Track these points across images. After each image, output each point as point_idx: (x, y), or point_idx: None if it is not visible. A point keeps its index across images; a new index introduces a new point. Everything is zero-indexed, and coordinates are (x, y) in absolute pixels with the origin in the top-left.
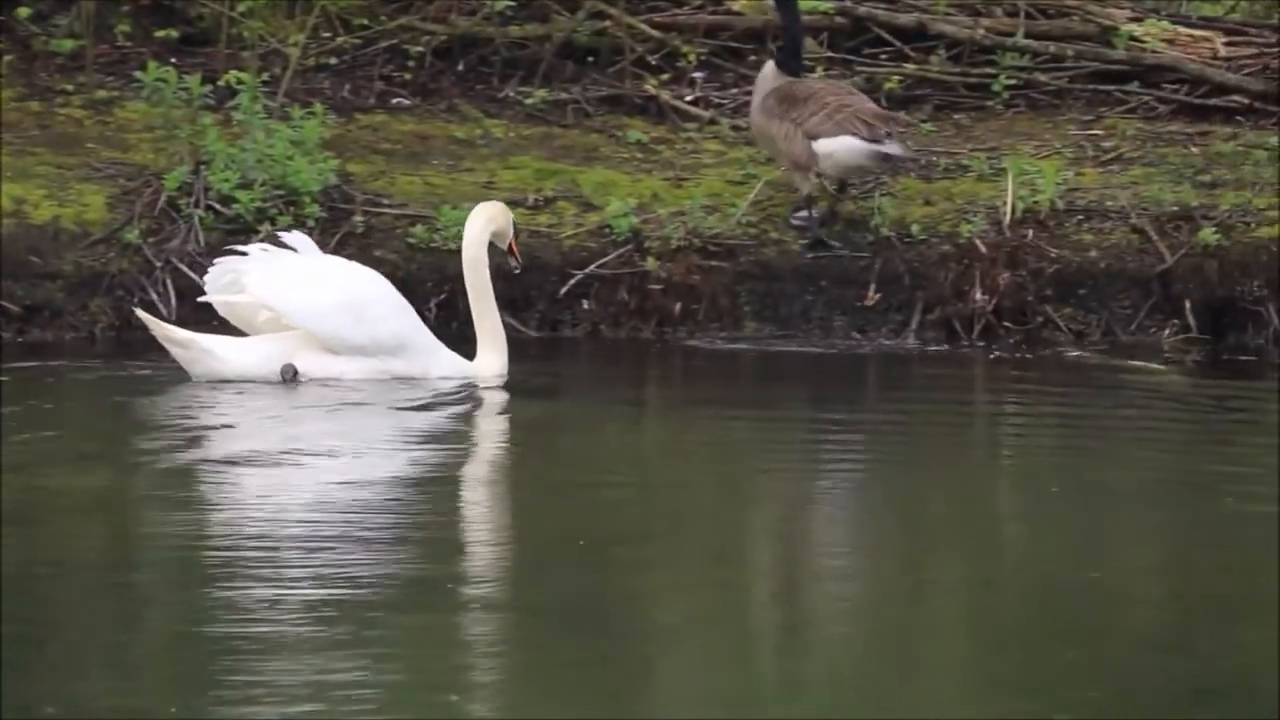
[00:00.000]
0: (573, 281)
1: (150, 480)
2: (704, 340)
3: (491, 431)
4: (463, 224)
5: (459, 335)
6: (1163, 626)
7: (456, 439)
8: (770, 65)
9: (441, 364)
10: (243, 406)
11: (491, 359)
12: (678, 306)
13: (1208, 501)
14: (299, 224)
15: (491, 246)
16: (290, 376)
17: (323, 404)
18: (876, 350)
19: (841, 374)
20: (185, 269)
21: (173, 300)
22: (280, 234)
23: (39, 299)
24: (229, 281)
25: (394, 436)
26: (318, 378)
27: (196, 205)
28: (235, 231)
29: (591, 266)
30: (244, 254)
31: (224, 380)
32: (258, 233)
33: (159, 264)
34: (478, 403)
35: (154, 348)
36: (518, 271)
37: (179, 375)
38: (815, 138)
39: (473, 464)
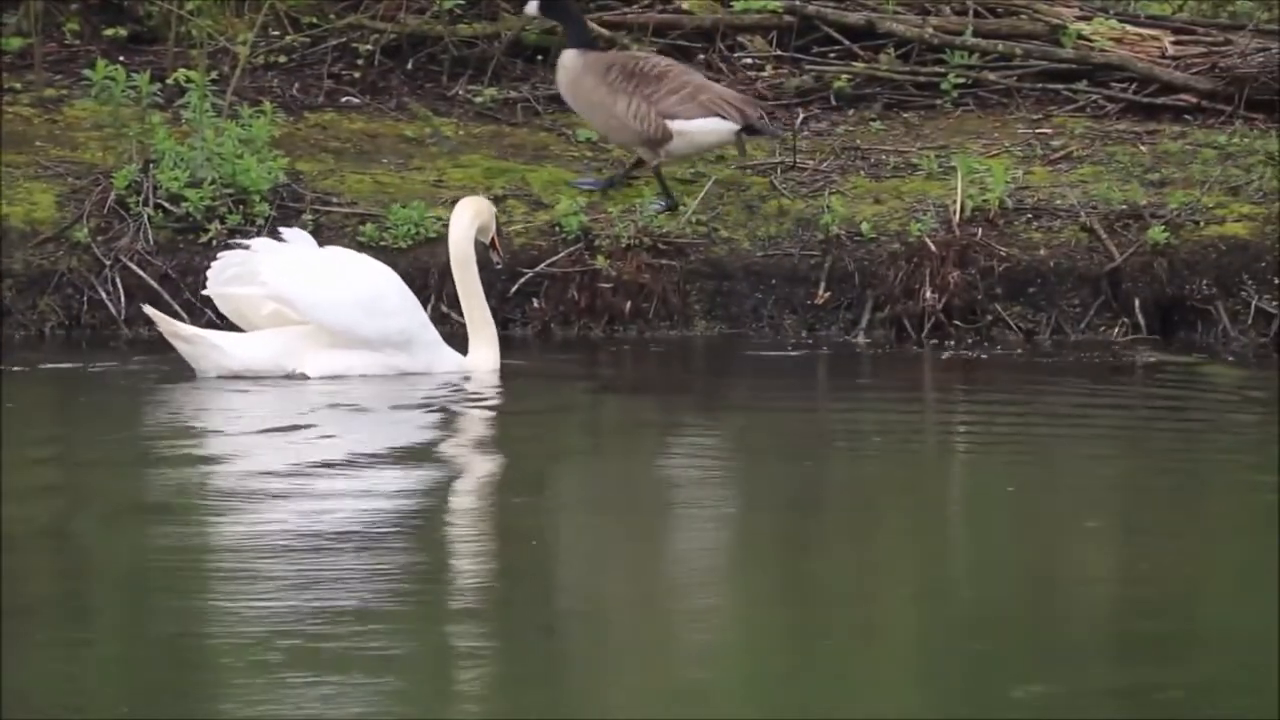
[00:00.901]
0: (523, 280)
1: (156, 479)
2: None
3: (500, 425)
4: (413, 222)
5: None
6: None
7: (463, 435)
8: (571, 53)
9: (443, 360)
10: (248, 402)
11: (485, 353)
12: (628, 305)
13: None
14: (248, 222)
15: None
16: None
17: (328, 399)
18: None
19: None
20: (134, 267)
21: (122, 299)
22: (281, 229)
23: None
24: (234, 274)
25: (399, 432)
26: (323, 373)
27: (145, 204)
28: (184, 230)
29: (541, 265)
30: (246, 247)
31: (230, 375)
32: (207, 231)
33: (108, 262)
34: (480, 397)
35: (106, 345)
36: (500, 265)
37: (178, 372)
38: (672, 117)
39: (480, 460)
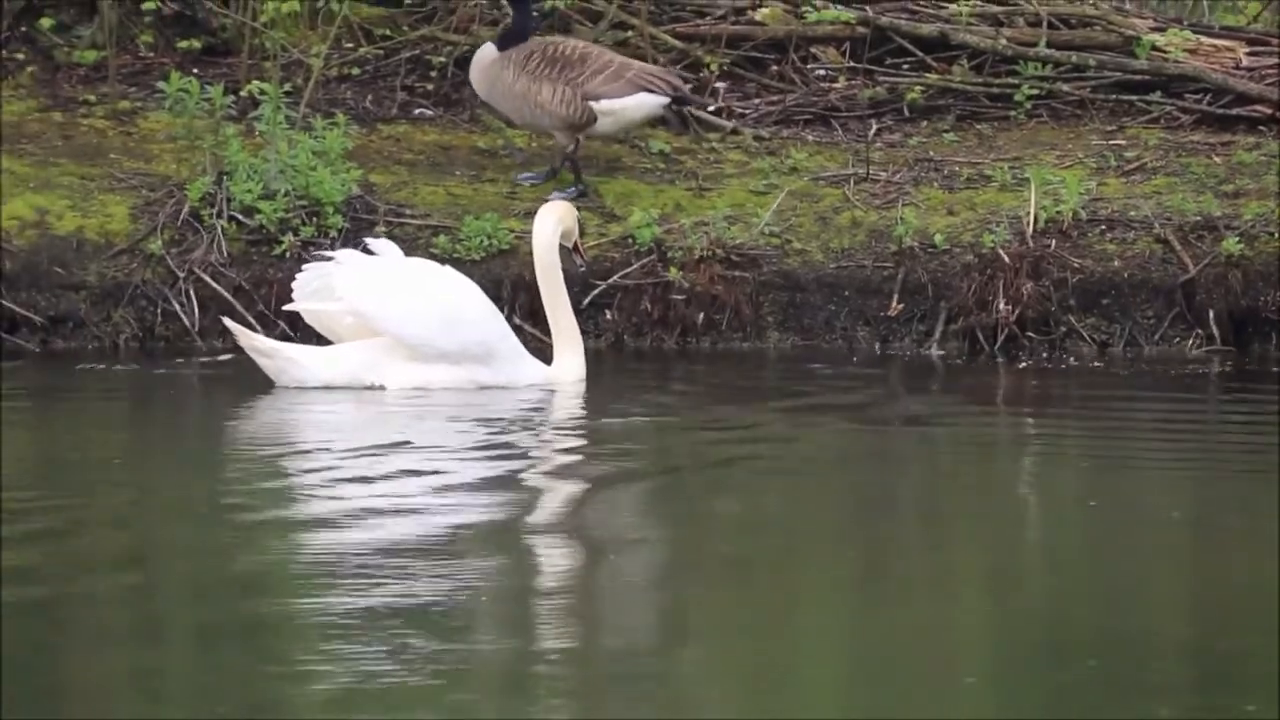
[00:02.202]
0: (596, 292)
1: (238, 490)
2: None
3: (586, 438)
4: (485, 234)
5: None
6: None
7: (547, 447)
8: (490, 46)
9: (525, 372)
10: (327, 416)
11: (570, 362)
12: (700, 316)
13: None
14: (321, 234)
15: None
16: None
17: (408, 412)
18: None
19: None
20: (208, 279)
21: (195, 311)
22: (366, 240)
23: (63, 310)
24: (318, 287)
25: (480, 445)
26: (403, 386)
27: (219, 216)
28: (258, 242)
29: (614, 277)
30: (330, 259)
31: (310, 388)
32: (280, 243)
33: (182, 274)
34: (565, 410)
35: (180, 357)
36: (583, 269)
37: (260, 383)
38: (598, 97)
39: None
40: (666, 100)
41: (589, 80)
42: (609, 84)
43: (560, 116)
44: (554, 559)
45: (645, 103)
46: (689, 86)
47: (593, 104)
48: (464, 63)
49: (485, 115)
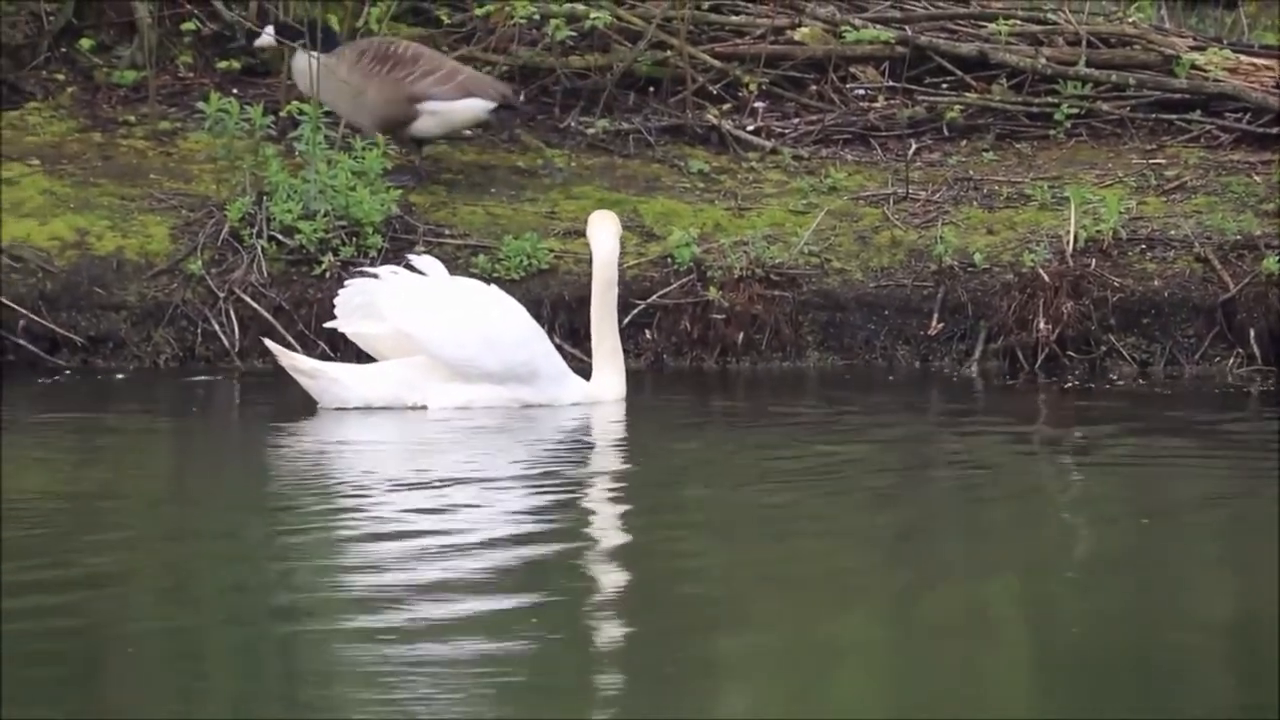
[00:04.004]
0: (635, 311)
1: (281, 510)
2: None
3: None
4: (525, 253)
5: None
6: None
7: (591, 468)
8: (303, 53)
9: (568, 390)
10: (367, 436)
11: (611, 380)
12: (740, 336)
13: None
14: (361, 254)
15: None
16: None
17: (450, 432)
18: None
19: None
20: (248, 299)
21: (235, 331)
22: (410, 257)
23: (103, 330)
24: (360, 304)
25: (523, 464)
26: (445, 406)
27: (259, 236)
28: (298, 262)
29: (654, 296)
30: (374, 276)
31: (352, 409)
32: (320, 263)
33: (222, 294)
34: (607, 429)
35: (220, 377)
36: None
37: (304, 405)
38: (428, 98)
39: (608, 494)
40: (493, 105)
41: (419, 80)
42: (439, 86)
43: (380, 115)
44: (612, 582)
45: (473, 107)
46: (513, 93)
47: (420, 104)
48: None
49: (524, 135)
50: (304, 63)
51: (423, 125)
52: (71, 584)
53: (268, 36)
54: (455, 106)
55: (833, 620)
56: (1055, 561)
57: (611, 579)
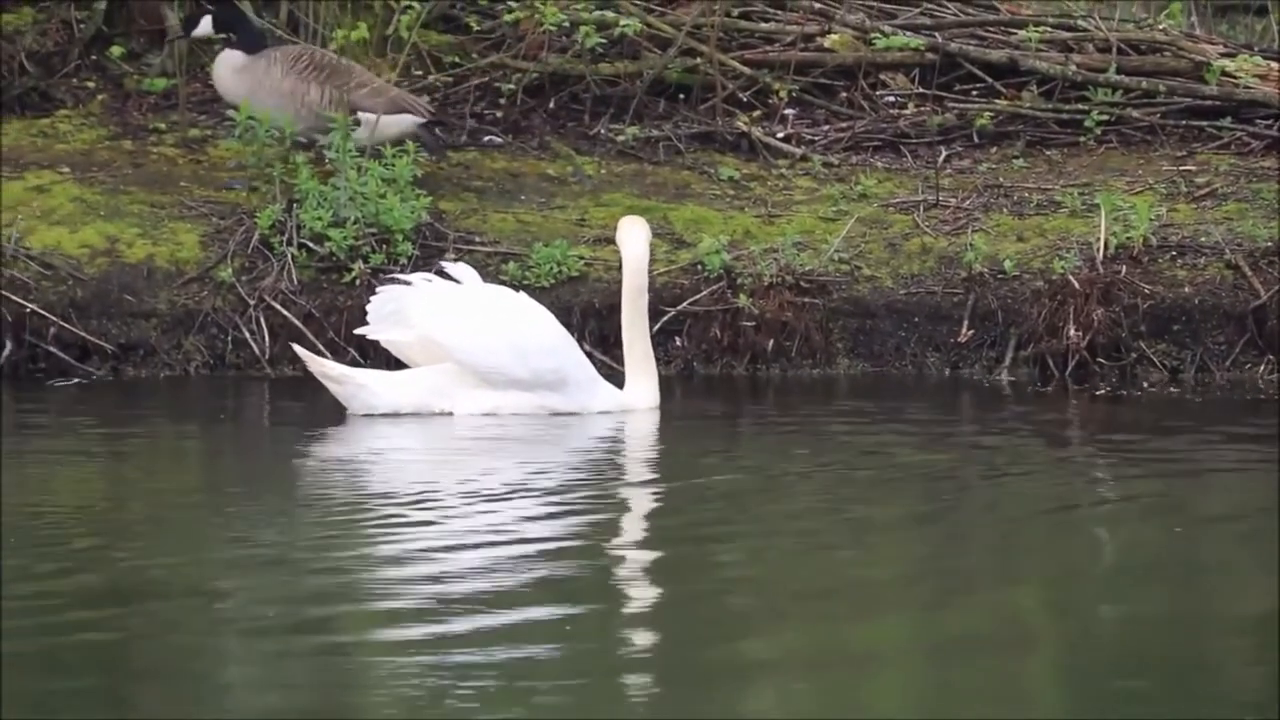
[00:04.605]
0: (665, 318)
1: (312, 519)
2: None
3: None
4: (555, 261)
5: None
6: None
7: (622, 475)
8: (234, 54)
9: (599, 398)
10: (397, 442)
11: (645, 387)
12: (770, 343)
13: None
14: (391, 262)
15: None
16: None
17: (478, 440)
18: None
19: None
20: (278, 307)
21: (266, 338)
22: (444, 264)
23: (133, 337)
24: (391, 311)
25: (554, 472)
26: (472, 412)
27: (289, 243)
28: (328, 270)
29: (684, 303)
30: (407, 283)
31: (380, 415)
32: (350, 270)
33: (252, 302)
34: (640, 437)
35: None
36: None
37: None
38: (363, 109)
39: (637, 505)
40: (423, 121)
41: (354, 91)
42: (372, 99)
43: (322, 118)
44: (644, 595)
45: (404, 121)
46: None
47: (356, 114)
48: (532, 90)
49: (554, 142)
50: (228, 59)
51: (357, 135)
52: (103, 596)
53: (205, 26)
54: (388, 120)
55: (865, 627)
56: (1087, 568)
57: (645, 589)
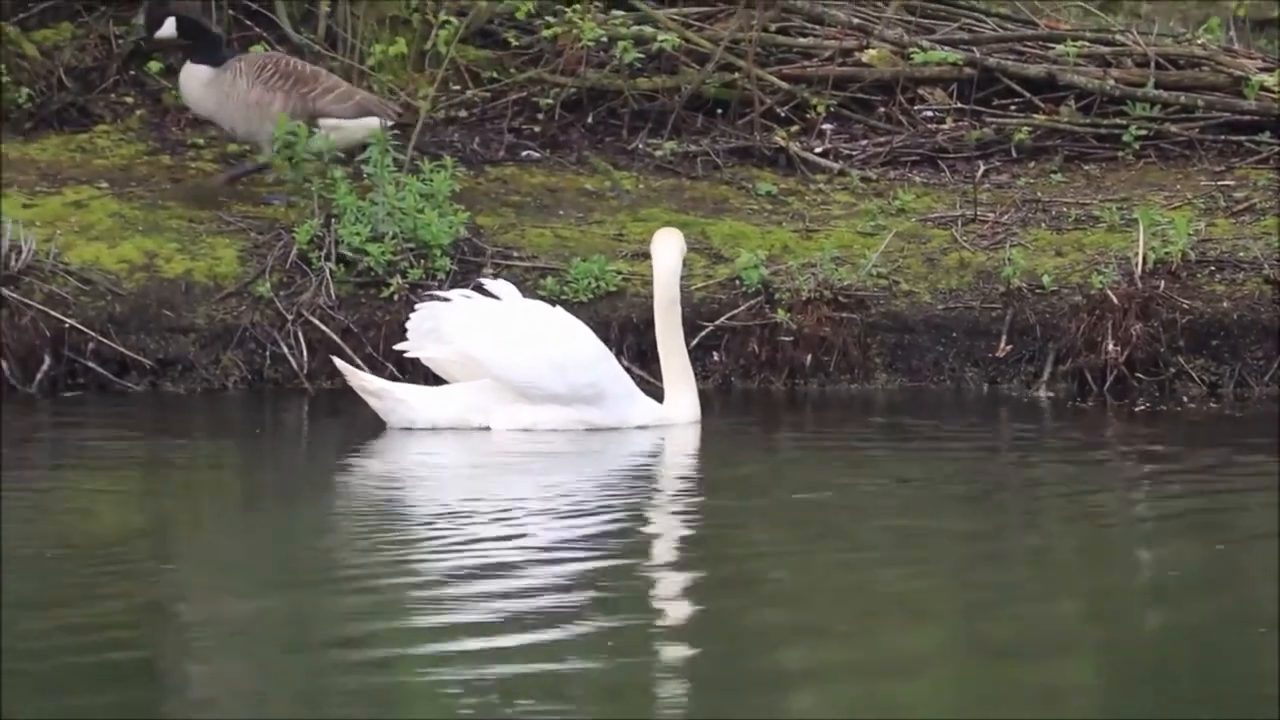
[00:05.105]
0: (703, 333)
1: (347, 532)
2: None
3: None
4: (593, 276)
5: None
6: None
7: (661, 490)
8: (199, 67)
9: (637, 412)
10: (436, 458)
11: (684, 401)
12: (808, 358)
13: None
14: (429, 277)
15: None
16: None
17: (517, 455)
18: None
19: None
20: (317, 322)
21: (304, 353)
22: (482, 280)
23: (171, 352)
24: (430, 329)
25: (590, 488)
26: (510, 427)
27: (327, 258)
28: (366, 285)
29: (722, 318)
30: (445, 299)
31: (419, 429)
32: (388, 285)
33: (290, 317)
34: (680, 452)
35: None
36: None
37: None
38: (329, 115)
39: (674, 519)
40: (390, 124)
41: (321, 97)
42: (339, 104)
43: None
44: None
45: (370, 125)
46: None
47: (322, 120)
48: (570, 105)
49: (592, 157)
50: (195, 73)
51: (318, 143)
52: (141, 612)
53: (169, 28)
54: (354, 124)
55: (905, 639)
56: (1127, 582)
57: (686, 604)
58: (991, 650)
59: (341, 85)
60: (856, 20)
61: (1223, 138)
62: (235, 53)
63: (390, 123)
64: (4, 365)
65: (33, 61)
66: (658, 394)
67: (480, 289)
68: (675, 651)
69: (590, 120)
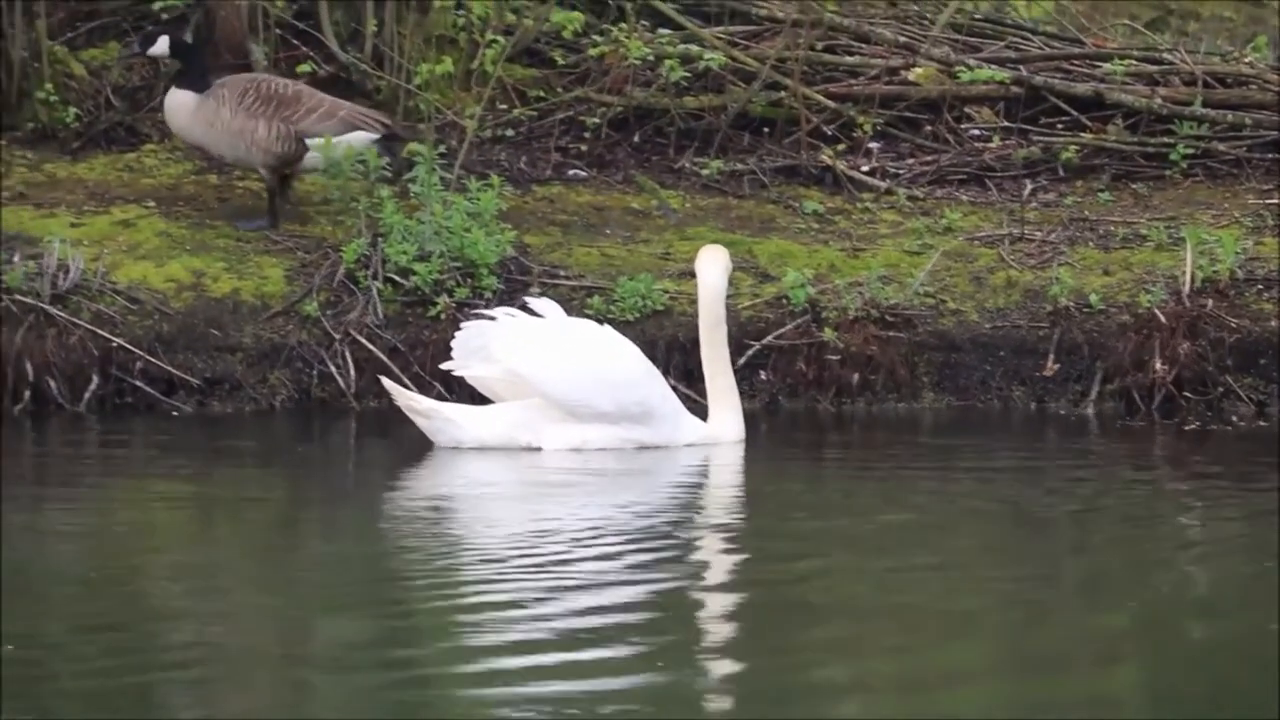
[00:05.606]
0: (750, 352)
1: (394, 550)
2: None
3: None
4: (639, 294)
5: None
6: None
7: (711, 511)
8: (184, 94)
9: (684, 431)
10: (485, 478)
11: (728, 420)
12: (855, 377)
13: None
14: (476, 295)
15: None
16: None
17: (565, 473)
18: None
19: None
20: (364, 341)
21: (351, 372)
22: (527, 299)
23: (219, 372)
24: (477, 347)
25: (639, 508)
26: (559, 447)
27: (374, 277)
28: (413, 303)
29: (769, 337)
30: (491, 318)
31: (467, 449)
32: (435, 304)
33: (338, 336)
34: (727, 471)
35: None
36: None
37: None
38: (314, 134)
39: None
40: (377, 136)
41: (304, 118)
42: (323, 122)
43: (274, 153)
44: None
45: (358, 139)
46: (395, 123)
47: (308, 140)
48: (617, 124)
49: (639, 176)
50: (181, 101)
51: (311, 161)
52: (191, 633)
53: (162, 45)
54: (344, 140)
55: (951, 655)
56: (1176, 601)
57: (734, 624)
58: (1037, 666)
59: (325, 103)
60: (903, 39)
61: (1270, 156)
62: (219, 78)
63: (378, 135)
64: (52, 384)
65: (80, 81)
66: (702, 412)
67: (524, 307)
68: (723, 668)
69: (637, 139)
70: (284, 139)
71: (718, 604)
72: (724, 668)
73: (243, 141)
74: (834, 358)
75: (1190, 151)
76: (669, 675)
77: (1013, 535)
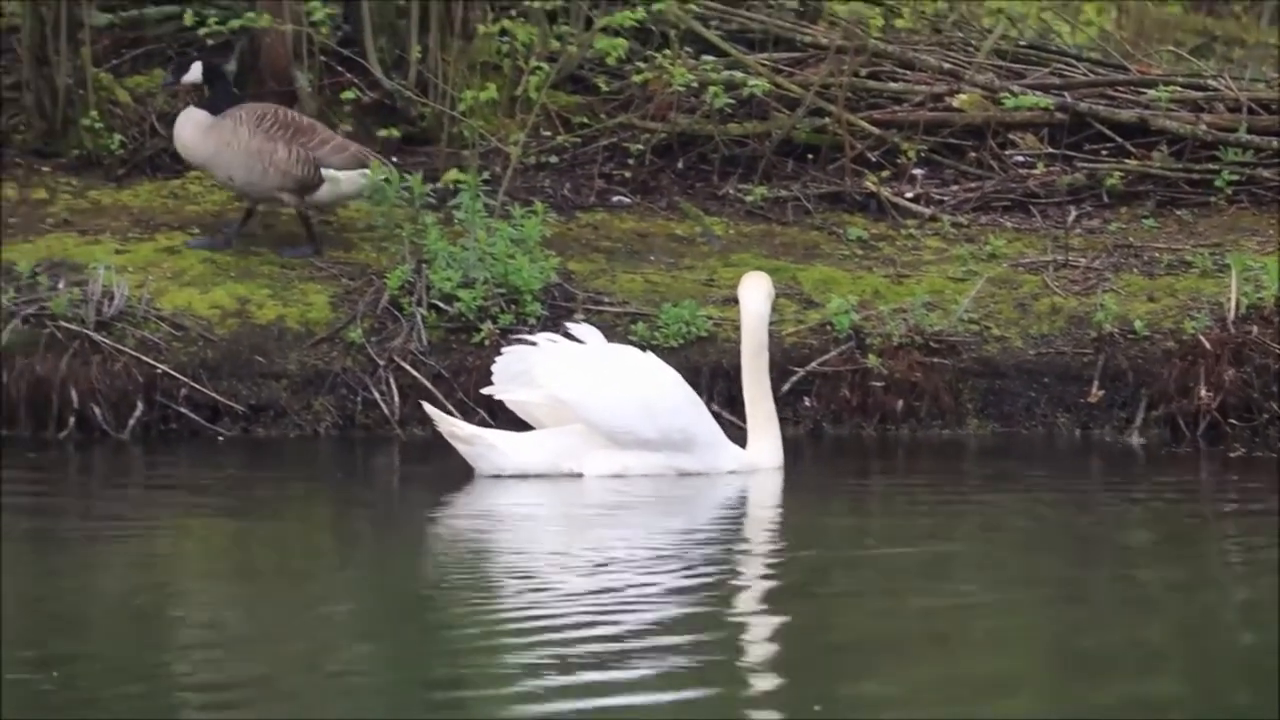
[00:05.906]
0: (794, 379)
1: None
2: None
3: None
4: (684, 321)
5: None
6: None
7: (753, 538)
8: (198, 112)
9: (724, 458)
10: (528, 504)
11: (768, 447)
12: (900, 404)
13: None
14: (520, 322)
15: None
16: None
17: (607, 500)
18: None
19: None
20: (408, 367)
21: (395, 399)
22: (568, 325)
23: (263, 398)
24: (518, 372)
25: (679, 534)
26: (601, 473)
27: (419, 304)
28: (457, 330)
29: (813, 364)
30: (532, 344)
31: (509, 475)
32: (479, 331)
33: (382, 362)
34: (770, 499)
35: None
36: None
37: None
38: (328, 165)
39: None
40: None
41: (319, 147)
42: (336, 155)
43: (294, 176)
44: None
45: (365, 176)
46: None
47: (323, 170)
48: (660, 151)
49: (683, 203)
50: (193, 119)
51: (321, 193)
52: (236, 661)
53: (195, 73)
54: (353, 176)
55: (991, 685)
56: (1223, 628)
57: (777, 649)
58: (1082, 701)
59: (337, 138)
60: (947, 65)
61: None
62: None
63: (384, 175)
64: (97, 411)
65: (125, 108)
66: (742, 438)
67: (565, 334)
68: (765, 684)
69: (681, 165)
70: (303, 163)
71: (760, 625)
72: (765, 684)
73: (260, 162)
74: (878, 384)
75: (1235, 178)
76: (712, 690)
77: (1062, 564)
